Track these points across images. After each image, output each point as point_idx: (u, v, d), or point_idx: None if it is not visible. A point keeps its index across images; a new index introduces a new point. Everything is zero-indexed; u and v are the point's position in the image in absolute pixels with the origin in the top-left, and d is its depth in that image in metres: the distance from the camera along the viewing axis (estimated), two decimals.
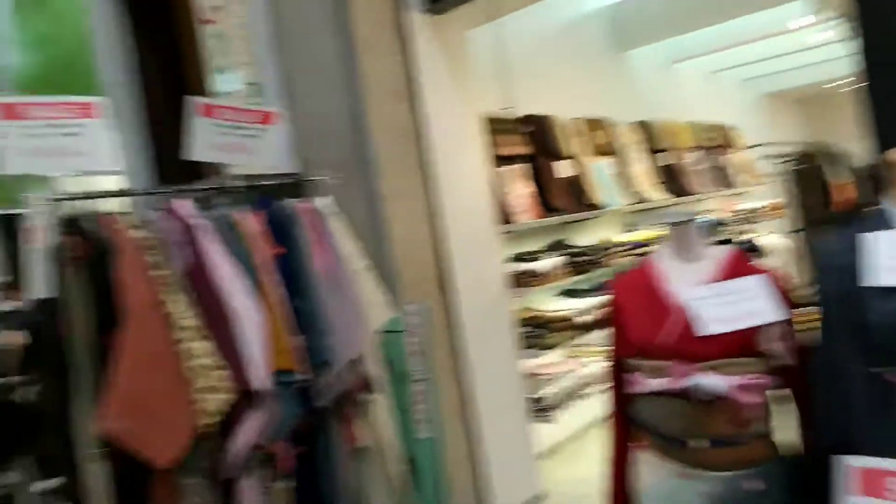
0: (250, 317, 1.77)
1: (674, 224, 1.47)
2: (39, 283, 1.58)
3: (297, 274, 1.99)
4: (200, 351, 1.62)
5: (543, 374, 3.81)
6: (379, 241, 2.53)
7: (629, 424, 1.48)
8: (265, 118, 2.01)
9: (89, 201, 1.68)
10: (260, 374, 1.71)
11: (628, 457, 1.50)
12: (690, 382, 1.29)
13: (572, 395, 3.85)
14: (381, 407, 2.11)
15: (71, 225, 1.62)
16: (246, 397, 1.69)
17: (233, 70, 3.07)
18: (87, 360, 1.56)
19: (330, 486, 1.91)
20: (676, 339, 1.34)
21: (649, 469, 1.42)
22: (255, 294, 1.81)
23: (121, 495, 1.51)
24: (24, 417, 1.71)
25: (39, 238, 1.59)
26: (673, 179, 5.19)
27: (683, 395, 1.30)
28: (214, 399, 1.59)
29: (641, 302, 1.44)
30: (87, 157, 1.76)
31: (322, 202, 2.20)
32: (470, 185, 2.94)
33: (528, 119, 3.94)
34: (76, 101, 1.67)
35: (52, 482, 1.62)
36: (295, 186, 2.22)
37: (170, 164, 3.80)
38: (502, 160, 3.60)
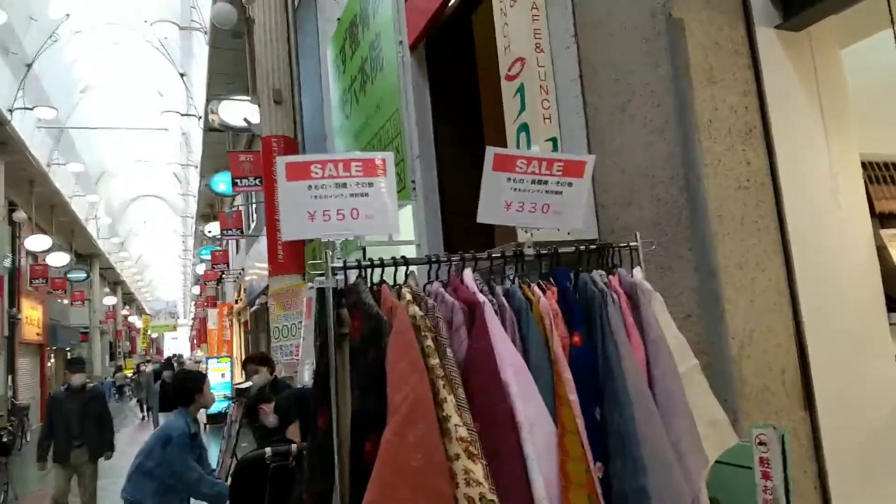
0: (541, 432, 1.31)
1: None
2: (307, 363, 1.37)
3: (601, 374, 1.48)
4: (477, 475, 1.21)
5: None
6: (710, 330, 1.87)
7: None
8: (571, 169, 1.58)
9: (367, 270, 1.44)
10: None
11: None
12: None
13: None
14: None
15: (345, 297, 1.39)
16: None
17: (532, 126, 2.79)
18: (347, 465, 1.28)
19: None
20: None
21: None
22: (548, 400, 1.36)
23: None
24: None
25: (312, 311, 1.40)
26: None
27: None
28: None
29: None
30: (373, 220, 1.57)
31: (636, 276, 1.68)
32: (844, 255, 2.08)
33: None
34: (362, 158, 1.48)
35: None
36: (596, 255, 1.74)
37: (457, 234, 3.70)
38: (884, 219, 2.59)
